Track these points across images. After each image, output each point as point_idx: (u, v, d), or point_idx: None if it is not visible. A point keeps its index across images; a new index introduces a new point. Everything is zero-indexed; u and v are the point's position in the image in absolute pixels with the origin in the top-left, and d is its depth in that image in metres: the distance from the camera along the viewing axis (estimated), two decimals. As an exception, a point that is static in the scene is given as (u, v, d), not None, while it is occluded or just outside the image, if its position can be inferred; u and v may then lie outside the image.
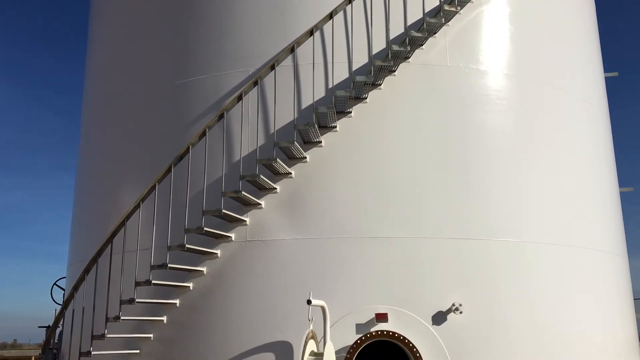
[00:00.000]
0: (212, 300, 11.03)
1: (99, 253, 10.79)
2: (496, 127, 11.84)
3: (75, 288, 10.89)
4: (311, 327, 9.30)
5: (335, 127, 11.24)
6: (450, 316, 10.61)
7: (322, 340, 9.77)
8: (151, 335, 11.21)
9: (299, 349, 8.63)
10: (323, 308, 9.98)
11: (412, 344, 10.24)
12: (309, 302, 9.09)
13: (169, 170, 10.67)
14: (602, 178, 13.55)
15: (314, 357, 8.94)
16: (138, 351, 11.28)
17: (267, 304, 10.69)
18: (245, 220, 11.01)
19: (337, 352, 10.22)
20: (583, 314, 11.79)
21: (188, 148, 10.69)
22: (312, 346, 9.31)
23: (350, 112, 11.29)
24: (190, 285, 11.13)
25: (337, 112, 10.98)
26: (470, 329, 10.65)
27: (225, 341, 10.70)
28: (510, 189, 11.73)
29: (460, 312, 10.50)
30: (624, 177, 15.52)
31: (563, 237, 12.06)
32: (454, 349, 10.49)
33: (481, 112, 11.80)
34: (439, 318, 10.62)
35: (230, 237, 11.00)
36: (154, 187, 10.65)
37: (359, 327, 10.45)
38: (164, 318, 11.19)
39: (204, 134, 10.80)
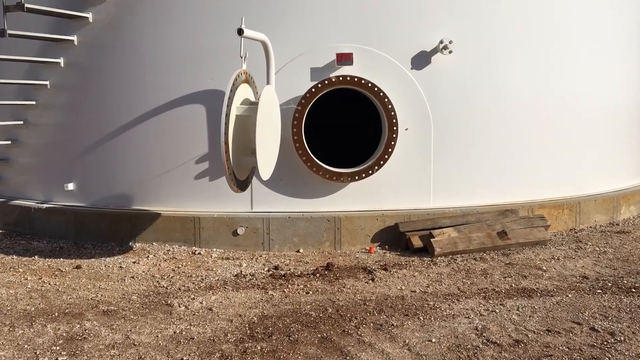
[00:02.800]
0: (120, 37, 8.28)
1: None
2: None
3: None
4: (244, 67, 6.72)
5: None
6: (436, 57, 8.06)
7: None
8: (47, 83, 8.68)
9: (226, 94, 6.15)
10: (265, 45, 7.29)
11: (383, 93, 7.84)
12: (240, 32, 6.36)
13: None
14: None
15: (247, 107, 6.52)
16: (34, 102, 8.84)
17: (190, 42, 7.98)
18: None
19: (284, 104, 7.84)
20: (589, 72, 9.30)
21: None
22: (246, 92, 6.83)
23: None
24: (90, 16, 8.27)
25: None
26: (458, 75, 8.18)
27: (140, 93, 8.20)
28: None
29: (450, 52, 7.91)
30: None
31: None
32: (435, 103, 8.14)
33: None
34: (421, 60, 8.09)
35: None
36: None
37: (314, 72, 7.93)
38: (60, 60, 8.55)
39: None
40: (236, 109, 6.49)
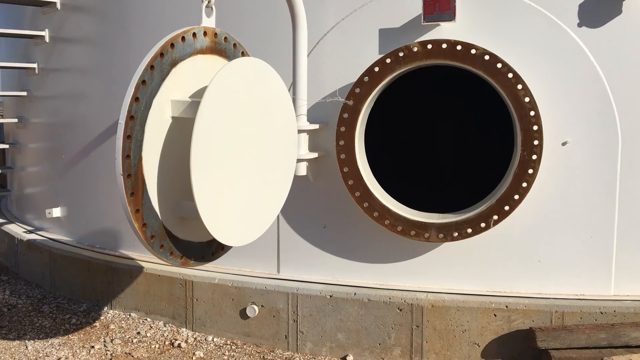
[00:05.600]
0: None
1: None
2: None
3: None
4: (207, 23, 3.42)
5: None
6: (633, 4, 4.00)
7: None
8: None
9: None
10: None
11: (514, 74, 4.01)
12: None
13: None
14: None
15: (199, 101, 3.22)
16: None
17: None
18: None
19: (327, 98, 4.40)
20: None
21: None
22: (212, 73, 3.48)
23: None
24: None
25: None
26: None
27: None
28: None
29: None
30: None
31: None
32: (628, 94, 4.09)
33: None
34: (598, 11, 4.09)
35: None
36: None
37: (386, 37, 4.36)
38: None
39: None
40: (171, 105, 3.21)
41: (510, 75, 3.99)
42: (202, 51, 3.39)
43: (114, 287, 5.33)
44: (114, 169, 2.97)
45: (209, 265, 4.97)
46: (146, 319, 5.11)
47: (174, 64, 3.19)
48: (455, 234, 4.16)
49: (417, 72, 4.49)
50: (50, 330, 4.95)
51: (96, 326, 5.02)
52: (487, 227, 4.12)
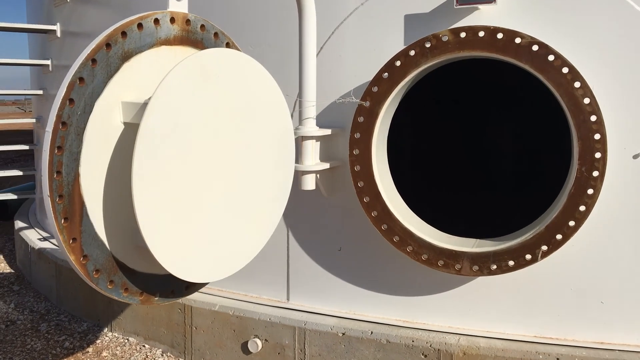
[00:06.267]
0: None
1: None
2: None
3: None
4: (174, 7, 2.79)
5: None
6: None
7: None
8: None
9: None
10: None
11: (570, 68, 3.17)
12: None
13: None
14: None
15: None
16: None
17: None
18: None
19: (342, 98, 3.69)
20: None
21: None
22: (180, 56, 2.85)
23: None
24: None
25: None
26: None
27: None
28: None
29: None
30: None
31: None
32: None
33: None
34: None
35: None
36: None
37: (412, 25, 3.61)
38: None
39: None
40: (122, 108, 2.59)
41: (565, 70, 3.15)
42: (169, 42, 2.76)
43: (114, 307, 4.83)
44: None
45: (212, 286, 4.38)
46: (144, 346, 4.56)
47: (126, 57, 2.57)
48: (494, 267, 3.36)
49: (454, 68, 3.71)
50: (39, 355, 4.48)
51: (88, 352, 4.52)
52: (534, 260, 3.29)
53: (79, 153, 2.43)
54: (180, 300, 4.36)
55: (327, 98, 3.80)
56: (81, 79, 2.41)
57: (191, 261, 2.63)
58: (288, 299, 4.18)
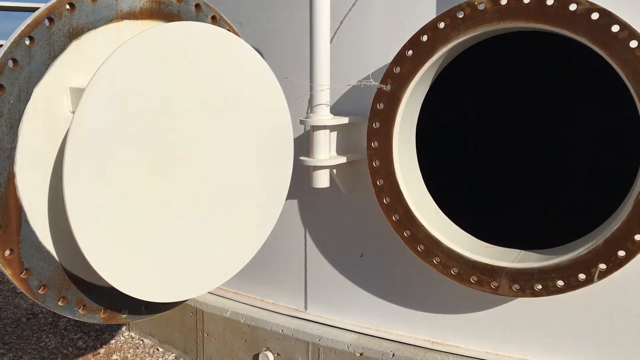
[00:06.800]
0: None
1: None
2: None
3: None
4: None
5: None
6: None
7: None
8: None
9: None
10: None
11: (638, 37, 2.49)
12: None
13: None
14: None
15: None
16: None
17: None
18: None
19: (362, 81, 3.16)
20: None
21: None
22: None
23: None
24: None
25: None
26: None
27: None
28: None
29: None
30: None
31: None
32: None
33: None
34: None
35: None
36: None
37: (446, -8, 3.02)
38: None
39: None
40: (70, 94, 2.19)
41: (633, 44, 2.48)
42: (133, 15, 2.32)
43: (130, 305, 4.55)
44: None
45: (227, 288, 3.99)
46: (158, 349, 4.25)
47: (75, 34, 2.16)
48: (538, 287, 2.75)
49: (495, 43, 3.09)
50: (49, 355, 4.26)
51: (99, 353, 4.26)
52: (589, 281, 2.66)
53: (12, 149, 2.05)
54: (191, 303, 4.01)
55: (344, 81, 3.27)
56: (14, 61, 2.01)
57: (146, 275, 2.21)
58: (306, 308, 3.72)
